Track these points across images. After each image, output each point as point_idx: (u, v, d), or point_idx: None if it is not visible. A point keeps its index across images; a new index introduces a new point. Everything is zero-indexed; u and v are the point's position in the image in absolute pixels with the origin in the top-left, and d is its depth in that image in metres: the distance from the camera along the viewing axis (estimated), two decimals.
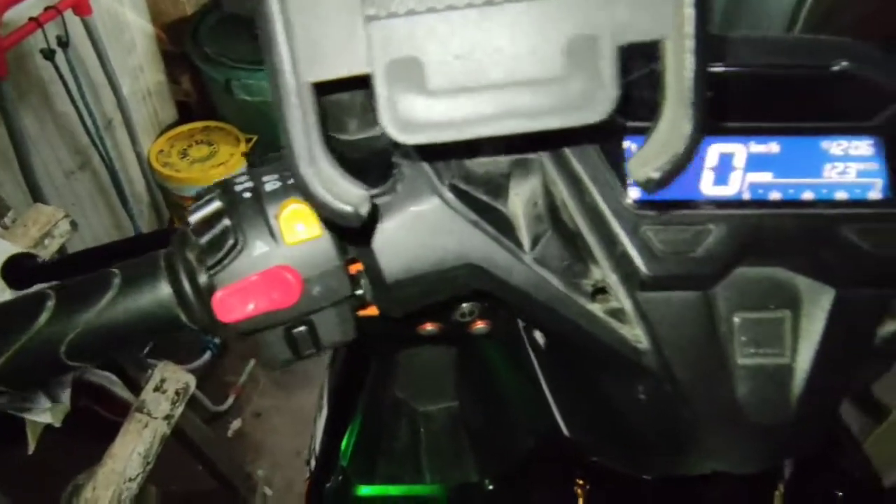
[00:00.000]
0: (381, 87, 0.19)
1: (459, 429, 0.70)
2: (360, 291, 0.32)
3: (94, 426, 1.26)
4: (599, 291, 0.31)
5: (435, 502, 0.61)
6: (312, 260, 0.28)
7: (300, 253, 0.28)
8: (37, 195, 1.21)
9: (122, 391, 1.42)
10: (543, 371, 0.47)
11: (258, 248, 0.27)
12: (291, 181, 0.28)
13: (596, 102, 0.19)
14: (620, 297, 0.30)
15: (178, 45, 1.99)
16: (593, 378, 0.38)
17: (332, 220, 0.20)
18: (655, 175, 0.21)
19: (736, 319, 0.31)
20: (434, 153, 0.28)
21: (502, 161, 0.30)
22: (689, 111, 0.20)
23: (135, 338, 0.29)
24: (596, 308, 0.31)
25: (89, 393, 1.50)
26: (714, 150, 0.31)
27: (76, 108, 1.27)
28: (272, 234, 0.27)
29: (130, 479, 1.15)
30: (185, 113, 2.00)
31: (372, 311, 0.33)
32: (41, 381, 0.30)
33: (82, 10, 1.24)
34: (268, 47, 0.18)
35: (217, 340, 1.68)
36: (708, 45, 0.19)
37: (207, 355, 1.63)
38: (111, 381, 1.46)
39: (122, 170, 1.63)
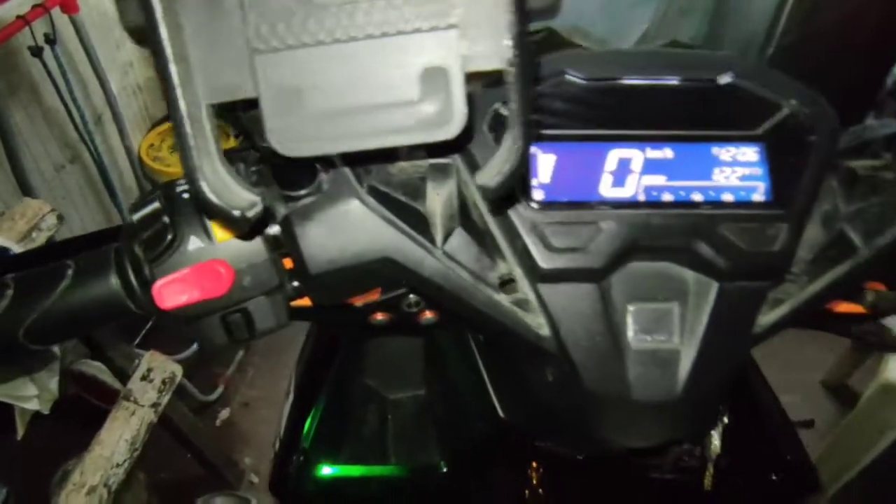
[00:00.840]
0: (266, 110, 0.23)
1: (426, 415, 0.73)
2: (295, 283, 0.35)
3: (86, 415, 1.29)
4: (506, 283, 0.34)
5: (394, 483, 0.64)
6: (242, 254, 0.31)
7: (231, 248, 0.31)
8: (26, 189, 1.24)
9: (112, 381, 1.46)
10: (482, 358, 0.51)
11: (193, 244, 0.31)
12: None
13: (448, 121, 0.23)
14: (524, 289, 0.34)
15: None
16: (515, 363, 0.42)
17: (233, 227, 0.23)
18: (492, 184, 0.25)
19: (630, 308, 0.34)
20: (353, 159, 0.31)
21: (420, 165, 0.34)
22: (519, 130, 0.24)
23: (88, 323, 0.33)
24: (502, 298, 0.34)
25: (81, 383, 1.54)
26: (613, 156, 0.34)
27: (64, 103, 1.30)
28: (206, 231, 0.31)
29: (117, 465, 1.18)
30: None
31: (305, 301, 0.36)
32: (3, 360, 0.33)
33: (70, 8, 1.27)
34: (162, 74, 0.21)
35: None
36: (532, 75, 0.23)
37: (195, 346, 1.66)
38: (102, 372, 1.50)
39: (112, 164, 1.66)
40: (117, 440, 1.20)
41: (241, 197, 0.24)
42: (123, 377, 1.29)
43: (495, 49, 0.22)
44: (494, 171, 0.25)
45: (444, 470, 0.63)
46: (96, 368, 1.50)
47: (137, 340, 1.70)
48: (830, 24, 1.83)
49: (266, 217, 0.32)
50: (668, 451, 0.58)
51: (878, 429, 1.24)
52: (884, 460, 1.25)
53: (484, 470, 0.64)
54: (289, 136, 0.23)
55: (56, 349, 1.05)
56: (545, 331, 0.34)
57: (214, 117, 0.23)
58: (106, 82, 1.44)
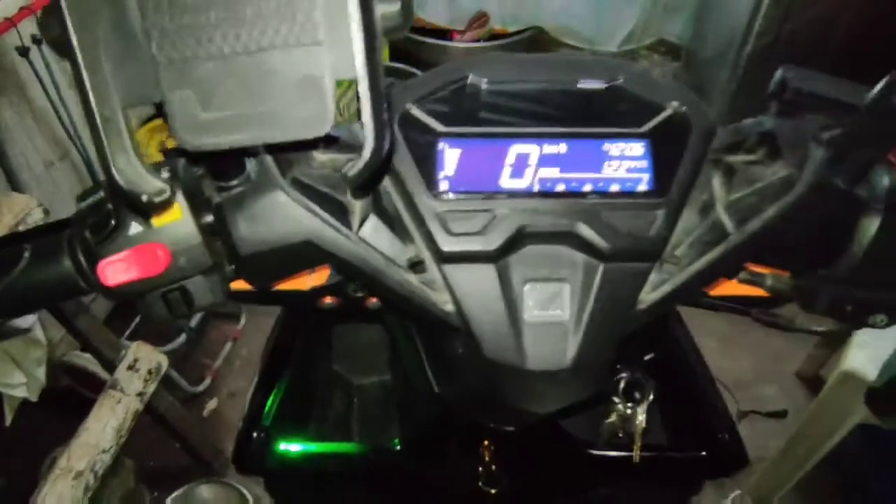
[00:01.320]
0: (170, 112, 0.27)
1: (389, 399, 0.78)
2: (231, 266, 0.40)
3: (75, 405, 1.33)
4: (416, 265, 0.39)
5: (351, 460, 0.69)
6: (177, 238, 0.35)
7: (168, 232, 0.35)
8: (15, 185, 1.28)
9: (101, 372, 1.50)
10: (419, 336, 0.55)
11: (133, 229, 0.35)
12: None
13: (321, 122, 0.27)
14: (431, 270, 0.38)
15: None
16: (437, 339, 0.46)
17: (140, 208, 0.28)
18: (351, 174, 0.30)
19: (525, 287, 0.38)
20: (273, 153, 0.36)
21: (340, 159, 0.38)
22: (372, 131, 0.28)
23: (44, 299, 0.37)
24: (412, 278, 0.38)
25: (71, 374, 1.58)
26: (513, 151, 0.39)
27: (51, 101, 1.34)
28: (145, 217, 0.35)
29: (104, 451, 1.22)
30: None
31: (241, 283, 0.41)
32: None
33: None
34: (78, 82, 0.26)
35: (192, 325, 1.75)
36: (381, 83, 0.27)
37: (182, 338, 1.70)
38: (92, 363, 1.54)
39: None
40: (103, 427, 1.24)
41: (151, 185, 0.28)
42: (111, 368, 1.32)
43: (351, 60, 0.26)
44: (356, 165, 0.30)
45: (399, 448, 0.68)
46: (86, 360, 1.54)
47: (127, 333, 1.74)
48: (805, 25, 1.87)
49: (202, 205, 0.36)
50: (601, 427, 0.63)
51: (839, 416, 1.28)
52: (845, 446, 1.30)
53: (436, 447, 0.69)
54: (190, 133, 0.27)
55: (42, 337, 1.10)
56: (450, 307, 0.38)
57: (127, 117, 0.27)
58: None
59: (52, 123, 1.51)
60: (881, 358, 1.21)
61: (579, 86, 0.39)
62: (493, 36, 2.90)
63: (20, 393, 1.12)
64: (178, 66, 0.26)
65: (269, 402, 0.67)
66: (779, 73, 0.41)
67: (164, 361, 1.38)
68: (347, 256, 0.37)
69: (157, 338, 1.52)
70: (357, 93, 0.27)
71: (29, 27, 1.24)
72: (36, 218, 1.13)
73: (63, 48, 0.25)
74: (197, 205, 0.36)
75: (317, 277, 0.48)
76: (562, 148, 0.39)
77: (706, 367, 0.71)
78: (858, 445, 1.31)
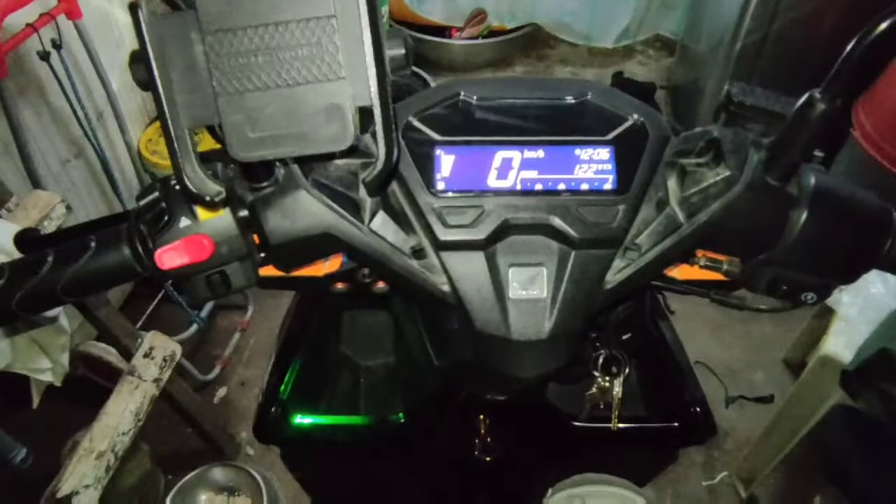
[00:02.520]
0: (225, 132, 0.34)
1: (393, 379, 0.85)
2: (262, 254, 0.47)
3: (93, 393, 1.40)
4: (418, 252, 0.46)
5: (359, 431, 0.76)
6: (219, 230, 0.43)
7: (211, 225, 0.42)
8: (36, 182, 1.35)
9: (118, 362, 1.57)
10: (420, 315, 0.62)
11: (183, 222, 0.42)
12: None
13: (343, 139, 0.34)
14: (431, 256, 0.46)
15: None
16: (435, 317, 0.53)
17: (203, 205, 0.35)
18: (368, 179, 0.38)
19: (510, 270, 0.46)
20: (299, 161, 0.43)
21: (354, 163, 0.45)
22: (384, 146, 0.35)
23: (107, 281, 0.44)
24: (415, 263, 0.46)
25: (88, 363, 1.65)
26: (499, 156, 0.46)
27: (69, 103, 1.40)
28: (192, 213, 0.42)
29: (123, 434, 1.29)
30: None
31: (267, 270, 0.48)
32: (47, 308, 0.45)
33: (73, 14, 1.37)
34: (159, 110, 0.33)
35: (203, 315, 1.82)
36: (391, 109, 0.35)
37: (194, 328, 1.77)
38: (108, 353, 1.61)
39: (114, 158, 1.77)
40: (123, 411, 1.31)
41: (211, 188, 0.36)
42: (128, 356, 1.39)
43: (367, 91, 0.34)
44: (372, 172, 0.37)
45: (403, 420, 0.75)
46: (102, 350, 1.61)
47: (140, 323, 1.82)
48: (792, 24, 1.94)
49: (237, 203, 0.44)
50: (583, 399, 0.70)
51: (818, 398, 1.35)
52: (826, 428, 1.37)
53: (436, 419, 0.76)
54: (240, 148, 0.35)
55: (66, 325, 1.17)
56: (446, 288, 0.46)
57: (193, 136, 0.35)
58: (107, 82, 1.55)
59: (68, 123, 1.58)
60: (856, 343, 1.28)
61: (554, 101, 0.46)
62: (491, 33, 2.97)
63: (46, 377, 1.19)
64: (232, 96, 0.34)
65: (285, 380, 0.74)
66: (725, 89, 0.49)
67: (178, 349, 1.45)
68: (360, 245, 0.45)
69: (170, 328, 1.59)
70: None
71: (50, 32, 1.31)
72: (59, 213, 1.20)
73: (146, 86, 0.33)
74: (234, 203, 0.43)
75: (330, 265, 0.55)
76: (540, 153, 0.46)
77: (681, 346, 0.78)
78: (838, 427, 1.37)
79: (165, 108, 0.34)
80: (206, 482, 1.49)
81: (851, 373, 1.16)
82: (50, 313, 1.13)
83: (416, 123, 0.46)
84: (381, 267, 0.46)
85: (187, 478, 1.45)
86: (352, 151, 0.44)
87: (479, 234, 0.44)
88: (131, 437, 1.31)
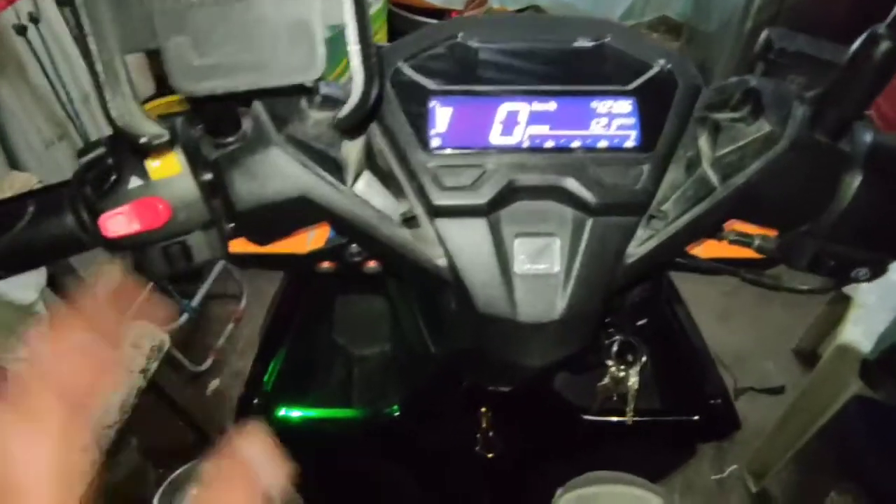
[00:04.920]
0: (166, 58, 0.28)
1: (389, 369, 0.79)
2: (231, 224, 0.41)
3: None
4: (409, 220, 0.39)
5: (349, 425, 0.70)
6: (177, 192, 0.36)
7: (167, 187, 0.36)
8: (14, 164, 1.29)
9: None
10: (415, 298, 0.56)
11: (133, 183, 0.36)
12: None
13: (311, 66, 0.28)
14: (424, 224, 0.39)
15: None
16: (430, 297, 0.47)
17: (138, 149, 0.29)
18: (342, 116, 0.31)
19: (516, 241, 0.39)
20: (273, 99, 0.37)
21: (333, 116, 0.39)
22: (361, 75, 0.29)
23: (46, 254, 0.38)
24: (405, 233, 0.39)
25: None
26: (503, 109, 0.39)
27: (49, 81, 1.34)
28: (144, 171, 0.36)
29: (108, 427, 1.24)
30: (164, 86, 2.07)
31: (243, 243, 0.42)
32: None
33: None
34: (79, 30, 0.27)
35: (194, 304, 1.77)
36: (369, 29, 0.28)
37: (184, 317, 1.72)
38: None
39: None
40: (108, 403, 1.25)
41: (149, 128, 0.30)
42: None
43: (340, 7, 0.27)
44: (347, 108, 0.30)
45: (395, 413, 0.69)
46: None
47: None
48: (804, 1, 1.87)
49: (201, 165, 0.37)
50: (595, 390, 0.64)
51: (835, 388, 1.30)
52: (841, 419, 1.31)
53: (434, 412, 0.70)
54: (185, 79, 0.29)
55: (44, 311, 1.11)
56: (442, 261, 0.39)
57: (125, 65, 0.28)
58: None
59: (50, 104, 1.51)
60: (876, 332, 1.23)
61: (567, 45, 0.40)
62: None
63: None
64: (172, 13, 0.27)
65: (269, 369, 0.68)
66: (764, 34, 0.42)
67: (167, 339, 1.40)
68: (341, 212, 0.38)
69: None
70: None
71: (26, 5, 1.24)
72: None
73: None
74: (196, 163, 0.36)
75: (315, 240, 0.49)
76: (551, 105, 0.39)
77: (699, 334, 0.72)
78: (856, 418, 1.32)
79: (86, 26, 0.27)
80: (197, 477, 1.45)
81: (872, 362, 1.10)
82: (25, 299, 1.07)
83: (407, 70, 0.39)
84: (366, 238, 0.39)
85: (178, 472, 1.40)
86: (328, 101, 0.37)
87: (481, 197, 0.38)
88: (117, 430, 1.26)
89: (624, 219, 0.39)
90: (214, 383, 1.80)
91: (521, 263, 0.39)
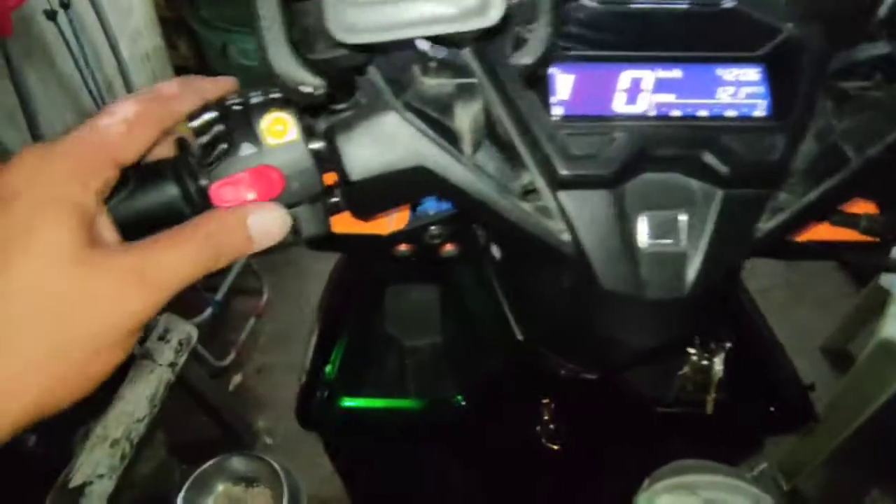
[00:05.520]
0: (325, 4, 0.26)
1: (441, 359, 0.77)
2: (335, 199, 0.39)
3: (106, 381, 1.33)
4: (529, 192, 0.37)
5: (411, 415, 0.68)
6: (290, 160, 0.34)
7: (279, 154, 0.34)
8: None
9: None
10: (500, 285, 0.54)
11: (245, 150, 0.33)
12: (273, 95, 0.34)
13: (488, 8, 0.26)
14: (545, 197, 0.37)
15: (176, 9, 2.03)
16: (533, 278, 0.45)
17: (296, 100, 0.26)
18: (525, 62, 0.31)
19: (641, 216, 0.37)
20: (390, 70, 0.34)
21: (448, 84, 0.36)
22: (545, 18, 0.27)
23: (146, 227, 0.36)
24: (525, 206, 0.37)
25: None
26: (626, 76, 0.37)
27: (78, 68, 1.32)
28: (256, 137, 0.34)
29: (138, 420, 1.22)
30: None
31: (347, 218, 0.40)
32: None
33: None
34: None
35: (218, 298, 1.74)
36: None
37: (209, 311, 1.70)
38: None
39: None
40: (138, 397, 1.24)
41: (309, 79, 0.27)
42: (141, 339, 1.32)
43: None
44: (529, 52, 0.28)
45: (461, 403, 0.67)
46: None
47: None
48: None
49: (309, 132, 0.35)
50: (672, 380, 0.62)
51: (877, 386, 1.28)
52: (882, 417, 1.29)
53: (499, 402, 0.68)
54: (345, 27, 0.26)
55: None
56: (565, 235, 0.37)
57: (287, 12, 0.26)
58: (117, 49, 1.46)
59: (76, 91, 1.49)
60: None
61: (692, 8, 0.38)
62: None
63: None
64: None
65: (331, 359, 0.66)
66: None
67: (195, 332, 1.38)
68: (460, 183, 0.36)
69: (183, 311, 1.51)
70: None
71: None
72: None
73: None
74: (308, 131, 0.34)
75: (396, 221, 0.47)
76: (676, 73, 0.37)
77: (766, 321, 0.71)
78: (892, 418, 1.30)
79: None
80: (223, 472, 1.42)
81: None
82: None
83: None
84: (484, 209, 0.37)
85: (203, 468, 1.38)
86: (445, 67, 0.35)
87: (608, 166, 0.35)
88: (146, 424, 1.24)
89: (756, 192, 0.37)
90: (237, 378, 1.78)
91: (646, 238, 0.37)
